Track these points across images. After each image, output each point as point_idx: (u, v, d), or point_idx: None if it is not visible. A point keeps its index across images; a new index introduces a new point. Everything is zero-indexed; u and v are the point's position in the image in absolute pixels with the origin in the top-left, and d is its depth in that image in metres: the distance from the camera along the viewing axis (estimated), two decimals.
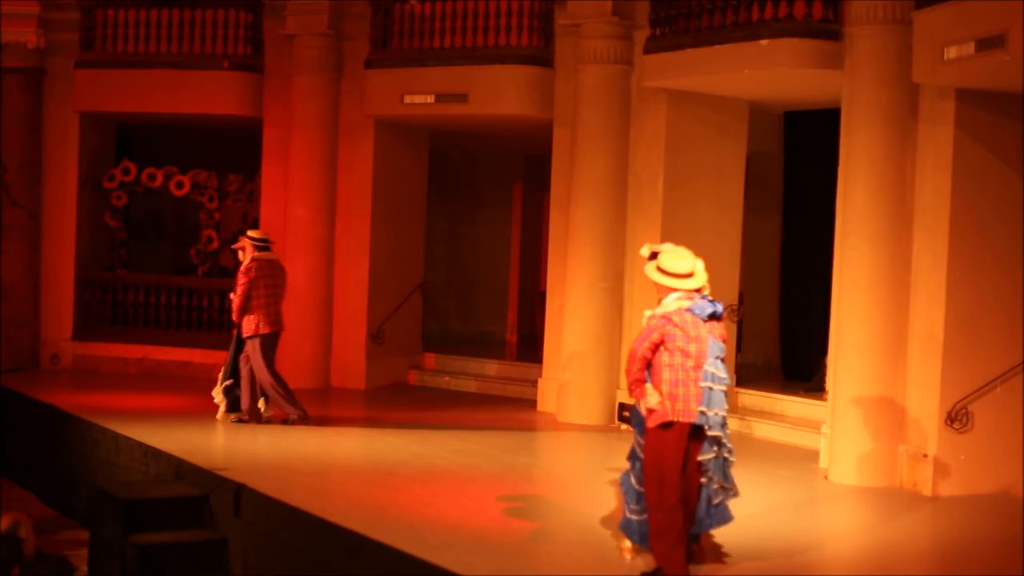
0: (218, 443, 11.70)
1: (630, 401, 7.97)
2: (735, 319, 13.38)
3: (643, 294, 12.21)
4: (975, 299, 10.40)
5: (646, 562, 7.72)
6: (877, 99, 10.73)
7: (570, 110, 13.86)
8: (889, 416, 10.68)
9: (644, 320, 7.90)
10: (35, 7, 15.95)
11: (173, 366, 16.07)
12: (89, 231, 16.64)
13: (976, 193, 10.38)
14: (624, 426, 12.59)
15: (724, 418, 7.82)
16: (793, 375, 14.63)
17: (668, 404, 7.49)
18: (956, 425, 10.29)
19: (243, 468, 10.25)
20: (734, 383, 12.98)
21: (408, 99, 14.80)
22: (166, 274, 17.33)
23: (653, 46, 12.89)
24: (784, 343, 15.27)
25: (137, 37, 16.01)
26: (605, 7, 13.29)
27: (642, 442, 7.80)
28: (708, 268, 7.83)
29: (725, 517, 7.92)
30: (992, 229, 10.45)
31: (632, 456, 8.01)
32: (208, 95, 15.75)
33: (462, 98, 14.46)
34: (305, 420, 12.44)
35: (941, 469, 10.35)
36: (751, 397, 13.40)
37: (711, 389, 7.62)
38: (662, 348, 7.53)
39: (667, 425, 7.51)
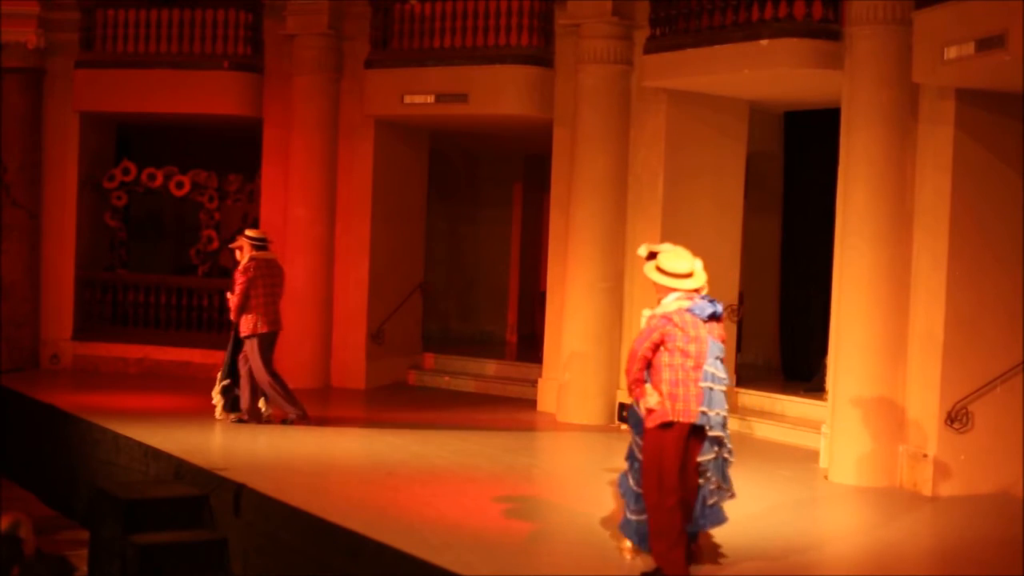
0: (218, 443, 11.69)
1: (630, 401, 7.97)
2: (735, 319, 13.39)
3: (643, 294, 12.20)
4: (975, 299, 10.40)
5: (645, 562, 7.73)
6: (877, 99, 10.73)
7: (570, 110, 13.86)
8: (889, 416, 10.68)
9: (642, 319, 7.91)
10: (35, 7, 15.95)
11: (173, 366, 16.07)
12: (89, 231, 16.64)
13: (976, 193, 10.38)
14: (624, 426, 12.58)
15: (725, 418, 7.82)
16: (793, 375, 14.63)
17: (668, 404, 7.49)
18: (956, 425, 10.29)
19: (243, 468, 10.25)
20: (734, 383, 12.99)
21: (408, 99, 14.80)
22: (166, 274, 17.33)
23: (653, 46, 12.89)
24: (784, 343, 15.27)
25: (137, 37, 16.01)
26: (605, 7, 13.29)
27: (640, 443, 7.80)
28: (708, 268, 7.83)
29: (719, 518, 7.91)
30: (992, 229, 10.45)
31: (630, 457, 8.01)
32: (208, 95, 15.75)
33: (462, 98, 14.46)
34: (304, 419, 12.45)
35: (941, 469, 10.35)
36: (751, 397, 13.40)
37: (711, 389, 7.63)
38: (662, 348, 7.53)
39: (667, 425, 7.51)
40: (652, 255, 7.78)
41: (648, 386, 7.58)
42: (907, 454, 10.58)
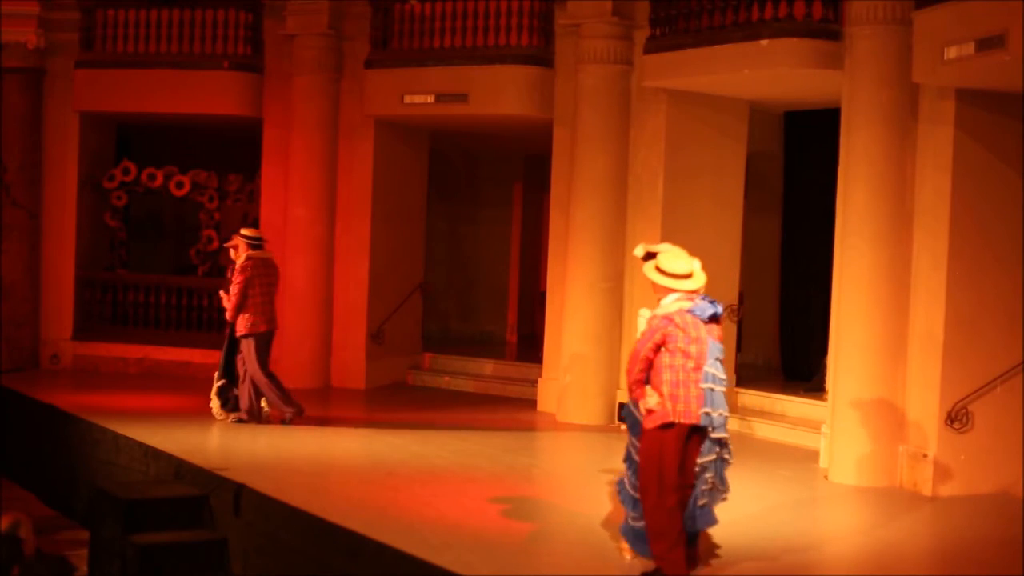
0: (218, 443, 11.69)
1: (628, 400, 7.97)
2: (735, 319, 13.39)
3: (643, 294, 12.19)
4: (975, 299, 10.40)
5: (645, 564, 7.72)
6: (877, 99, 10.73)
7: (570, 110, 13.86)
8: (889, 416, 10.68)
9: (639, 320, 7.91)
10: (35, 7, 15.95)
11: (173, 366, 16.07)
12: (89, 231, 16.64)
13: (976, 193, 10.38)
14: (624, 426, 12.58)
15: (726, 419, 7.82)
16: (793, 375, 14.63)
17: (669, 405, 7.49)
18: (956, 425, 10.29)
19: (243, 468, 10.25)
20: (733, 383, 12.99)
21: (408, 99, 14.80)
22: (166, 274, 17.33)
23: (653, 46, 12.89)
24: (784, 343, 15.27)
25: (137, 37, 16.01)
26: (605, 7, 13.29)
27: (637, 444, 7.81)
28: (708, 268, 7.83)
29: (710, 520, 7.89)
30: (992, 229, 10.45)
31: (627, 459, 8.01)
32: (208, 95, 15.75)
33: (462, 98, 14.46)
34: (300, 415, 12.42)
35: (941, 469, 10.35)
36: (751, 397, 13.40)
37: (713, 390, 7.63)
38: (663, 349, 7.53)
39: (667, 426, 7.51)
40: (649, 256, 7.78)
41: (648, 387, 7.57)
42: (907, 454, 10.58)
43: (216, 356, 12.86)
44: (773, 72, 11.82)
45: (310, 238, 15.43)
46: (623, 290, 13.58)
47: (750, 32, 11.64)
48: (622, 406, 8.27)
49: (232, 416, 12.49)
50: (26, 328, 16.25)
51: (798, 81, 12.13)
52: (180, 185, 16.62)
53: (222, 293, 12.73)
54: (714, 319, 7.68)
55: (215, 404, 12.56)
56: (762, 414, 13.11)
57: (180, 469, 10.59)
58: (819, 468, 11.23)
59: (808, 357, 14.18)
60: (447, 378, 15.90)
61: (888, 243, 10.71)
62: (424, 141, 16.54)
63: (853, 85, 10.96)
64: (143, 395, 14.31)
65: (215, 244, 16.62)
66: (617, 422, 13.17)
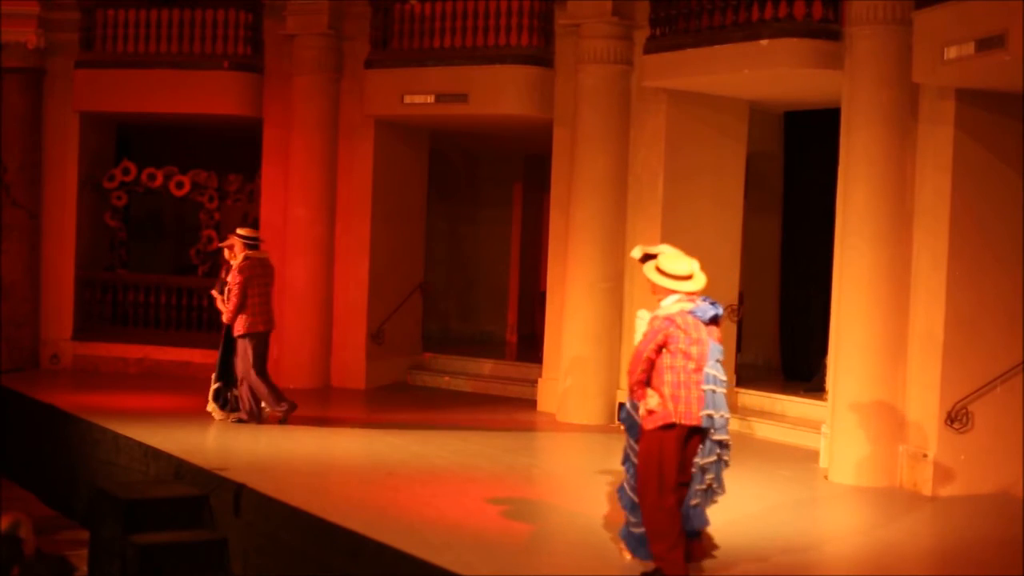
0: (218, 443, 11.69)
1: (627, 400, 7.97)
2: (735, 319, 13.39)
3: (643, 294, 12.17)
4: (975, 299, 10.40)
5: (645, 564, 7.72)
6: (877, 99, 10.73)
7: (570, 110, 13.86)
8: (889, 416, 10.68)
9: (638, 321, 7.91)
10: (35, 7, 15.95)
11: (173, 366, 16.07)
12: (89, 231, 16.64)
13: (976, 193, 10.38)
14: (623, 426, 12.58)
15: (727, 420, 7.83)
16: (793, 375, 14.63)
17: (671, 406, 7.48)
18: (956, 425, 10.29)
19: (243, 468, 10.25)
20: (733, 383, 12.99)
21: (408, 99, 14.80)
22: (166, 274, 17.32)
23: (653, 46, 12.89)
24: (784, 343, 15.28)
25: (137, 37, 16.01)
26: (605, 7, 13.29)
27: (635, 446, 7.81)
28: (708, 268, 7.83)
29: (703, 520, 7.90)
30: (992, 229, 10.45)
31: (626, 461, 8.02)
32: (208, 95, 15.75)
33: (462, 98, 14.46)
34: (294, 409, 12.38)
35: (941, 469, 10.35)
36: (751, 397, 13.40)
37: (714, 392, 7.63)
38: (664, 350, 7.52)
39: (668, 426, 7.51)
40: (646, 257, 7.78)
41: (649, 388, 7.57)
42: (907, 454, 10.58)
43: (216, 357, 12.83)
44: (773, 72, 11.82)
45: (310, 238, 15.43)
46: (623, 290, 13.58)
47: (750, 32, 11.64)
48: (621, 406, 8.24)
49: (232, 416, 12.49)
50: (26, 328, 16.25)
51: (798, 81, 12.13)
52: (180, 185, 16.62)
53: (215, 293, 12.71)
54: (714, 321, 7.69)
55: (212, 407, 12.54)
56: (762, 414, 13.12)
57: (180, 469, 10.59)
58: (819, 468, 11.23)
59: (808, 357, 14.18)
60: (447, 378, 15.90)
61: (888, 243, 10.71)
62: (424, 141, 16.54)
63: (853, 85, 10.96)
64: (143, 395, 14.30)
65: (215, 244, 16.61)
66: (617, 422, 13.16)
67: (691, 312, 7.56)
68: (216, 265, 16.72)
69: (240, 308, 12.21)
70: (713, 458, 7.80)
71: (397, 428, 12.65)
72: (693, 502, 7.77)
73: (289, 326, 15.04)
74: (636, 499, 7.74)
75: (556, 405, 13.84)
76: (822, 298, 12.16)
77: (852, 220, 10.89)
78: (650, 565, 7.61)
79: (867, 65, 10.79)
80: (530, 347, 17.38)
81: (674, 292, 7.61)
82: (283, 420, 12.40)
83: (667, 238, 12.14)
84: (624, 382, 12.31)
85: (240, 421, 12.41)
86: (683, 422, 7.50)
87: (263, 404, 12.43)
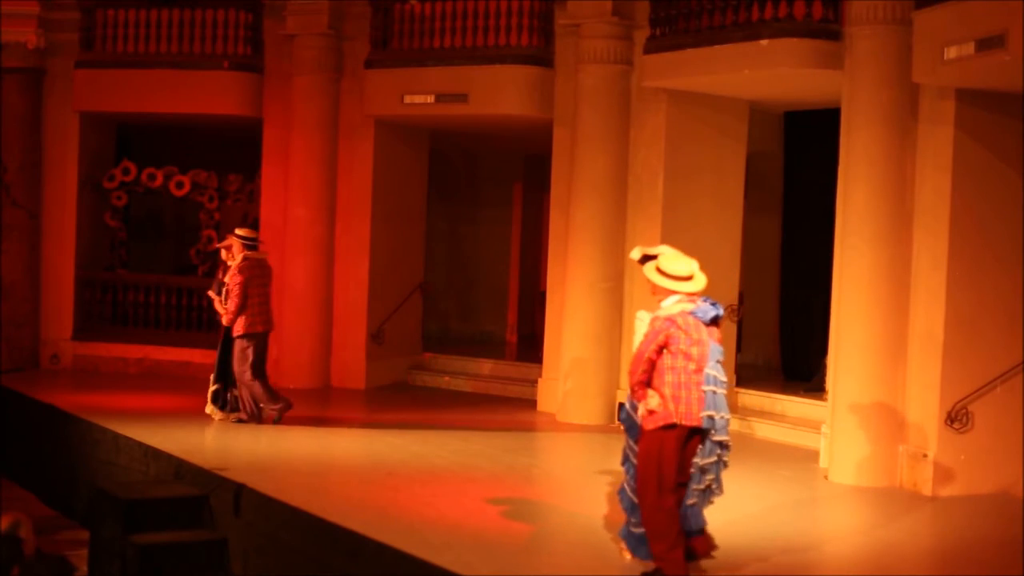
0: (218, 443, 11.69)
1: (627, 400, 7.97)
2: (735, 319, 13.39)
3: (643, 294, 12.17)
4: (975, 299, 10.40)
5: (645, 564, 7.72)
6: (877, 99, 10.73)
7: (570, 110, 13.86)
8: (889, 416, 10.68)
9: (637, 322, 7.91)
10: (35, 7, 15.95)
11: (173, 366, 16.07)
12: (89, 231, 16.63)
13: (976, 193, 10.38)
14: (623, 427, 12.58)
15: (727, 422, 7.83)
16: (793, 375, 14.63)
17: (671, 406, 7.48)
18: (956, 425, 10.29)
19: (243, 468, 10.25)
20: (733, 383, 12.99)
21: (408, 99, 14.80)
22: (166, 274, 17.32)
23: (653, 46, 12.89)
24: (784, 343, 15.28)
25: (137, 37, 16.01)
26: (605, 7, 13.29)
27: (634, 446, 7.81)
28: (708, 268, 7.82)
29: (700, 521, 7.89)
30: (992, 229, 10.45)
31: (625, 461, 8.02)
32: (208, 95, 15.75)
33: (462, 98, 14.45)
34: (289, 408, 12.34)
35: (941, 469, 10.35)
36: (751, 397, 13.40)
37: (715, 393, 7.63)
38: (665, 351, 7.52)
39: (669, 427, 7.50)
40: (645, 258, 7.78)
41: (650, 389, 7.56)
42: (907, 454, 10.58)
43: (214, 358, 12.81)
44: (773, 72, 11.82)
45: (310, 238, 15.43)
46: (623, 290, 13.58)
47: (750, 32, 11.64)
48: (621, 407, 8.24)
49: (233, 416, 12.49)
50: (26, 328, 16.25)
51: (798, 81, 12.13)
52: (180, 185, 16.62)
53: (211, 294, 12.69)
54: (715, 322, 7.69)
55: (210, 408, 12.53)
56: (762, 414, 13.11)
57: (180, 469, 10.59)
58: (819, 468, 11.23)
59: (808, 357, 14.17)
60: (447, 378, 15.90)
61: (888, 243, 10.71)
62: (424, 141, 16.54)
63: (853, 85, 10.96)
64: (143, 395, 14.30)
65: (215, 244, 16.60)
66: (617, 422, 13.16)
67: (692, 313, 7.55)
68: (216, 265, 16.73)
69: (241, 309, 12.19)
70: (713, 459, 7.81)
71: (397, 428, 12.65)
72: (690, 501, 7.77)
73: (289, 326, 15.04)
74: (635, 499, 7.74)
75: (556, 405, 13.84)
76: (822, 298, 12.16)
77: (852, 220, 10.89)
78: (650, 565, 7.61)
79: (867, 65, 10.79)
80: (530, 347, 17.38)
81: (675, 293, 7.60)
82: (277, 419, 12.36)
83: (667, 238, 12.15)
84: (624, 382, 12.32)
85: (240, 421, 12.41)
86: (684, 423, 7.49)
87: (261, 404, 12.42)
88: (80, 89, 16.15)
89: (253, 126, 16.09)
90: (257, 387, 12.28)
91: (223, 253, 12.66)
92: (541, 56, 14.26)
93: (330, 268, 15.57)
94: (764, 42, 11.50)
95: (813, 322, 13.98)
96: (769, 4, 11.56)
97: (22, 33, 15.89)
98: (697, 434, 7.64)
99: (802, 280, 14.69)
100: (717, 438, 7.73)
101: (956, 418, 10.28)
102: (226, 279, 12.39)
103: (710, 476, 7.83)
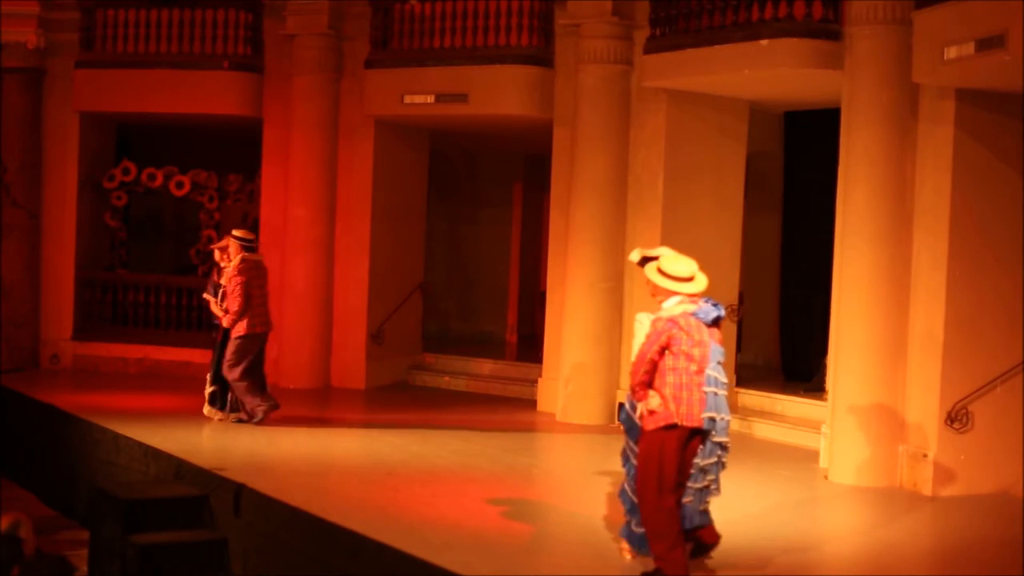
0: (218, 443, 11.68)
1: (626, 400, 7.98)
2: (735, 319, 13.39)
3: (643, 294, 12.16)
4: (975, 299, 10.40)
5: (645, 564, 7.72)
6: (877, 99, 10.73)
7: (570, 110, 13.86)
8: (889, 416, 10.68)
9: (636, 324, 7.91)
10: (35, 7, 15.95)
11: (173, 366, 16.07)
12: (89, 231, 16.63)
13: (976, 193, 10.39)
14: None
15: (728, 423, 7.83)
16: (793, 375, 14.63)
17: (672, 407, 7.47)
18: (956, 425, 10.29)
19: (243, 468, 10.25)
20: (733, 383, 12.99)
21: (408, 99, 14.80)
22: (166, 274, 17.32)
23: (653, 46, 12.89)
24: (784, 343, 15.28)
25: (137, 37, 16.01)
26: (605, 7, 13.29)
27: (634, 447, 7.82)
28: (708, 268, 7.83)
29: (695, 520, 7.89)
30: (992, 229, 10.46)
31: (625, 462, 8.02)
32: (208, 95, 15.75)
33: (462, 98, 14.45)
34: (275, 408, 12.32)
35: (941, 469, 10.35)
36: (751, 397, 13.40)
37: (716, 394, 7.63)
38: (667, 352, 7.52)
39: (670, 427, 7.50)
40: (645, 260, 7.78)
41: (651, 389, 7.56)
42: (907, 454, 10.58)
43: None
44: (773, 72, 11.82)
45: (310, 238, 15.42)
46: (623, 290, 13.57)
47: (750, 32, 11.64)
48: (621, 407, 8.24)
49: (233, 416, 12.48)
50: (26, 328, 16.25)
51: (798, 81, 12.13)
52: (180, 185, 16.62)
53: (207, 296, 12.66)
54: (716, 323, 7.69)
55: (208, 410, 12.51)
56: (762, 414, 13.11)
57: (180, 469, 10.59)
58: (819, 468, 11.22)
59: (808, 357, 14.17)
60: (447, 378, 15.90)
61: (888, 243, 10.71)
62: (424, 141, 16.54)
63: (853, 85, 10.96)
64: (143, 395, 14.30)
65: (212, 244, 16.60)
66: (617, 422, 13.15)
67: (693, 314, 7.55)
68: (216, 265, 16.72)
69: (244, 309, 12.14)
70: (713, 459, 7.83)
71: (397, 428, 12.65)
72: (686, 499, 7.78)
73: (289, 326, 15.05)
74: (635, 499, 7.74)
75: (556, 405, 13.84)
76: (822, 298, 12.16)
77: (852, 220, 10.89)
78: (650, 564, 7.61)
79: (867, 65, 10.79)
80: (530, 347, 17.38)
81: (676, 294, 7.60)
82: (260, 419, 12.25)
83: (667, 238, 12.16)
84: (624, 382, 12.32)
85: (240, 421, 12.40)
86: (685, 423, 7.49)
87: (244, 401, 12.31)
88: (80, 89, 16.14)
89: (253, 126, 16.10)
90: (242, 386, 12.22)
91: (216, 254, 12.63)
92: (541, 56, 14.26)
93: (330, 268, 15.56)
94: (764, 42, 11.50)
95: (813, 322, 13.97)
96: (769, 4, 11.56)
97: (22, 33, 15.89)
98: (698, 435, 7.64)
99: (802, 280, 14.70)
100: (717, 439, 7.74)
101: (956, 418, 10.28)
102: (221, 280, 12.37)
103: (710, 476, 7.84)
